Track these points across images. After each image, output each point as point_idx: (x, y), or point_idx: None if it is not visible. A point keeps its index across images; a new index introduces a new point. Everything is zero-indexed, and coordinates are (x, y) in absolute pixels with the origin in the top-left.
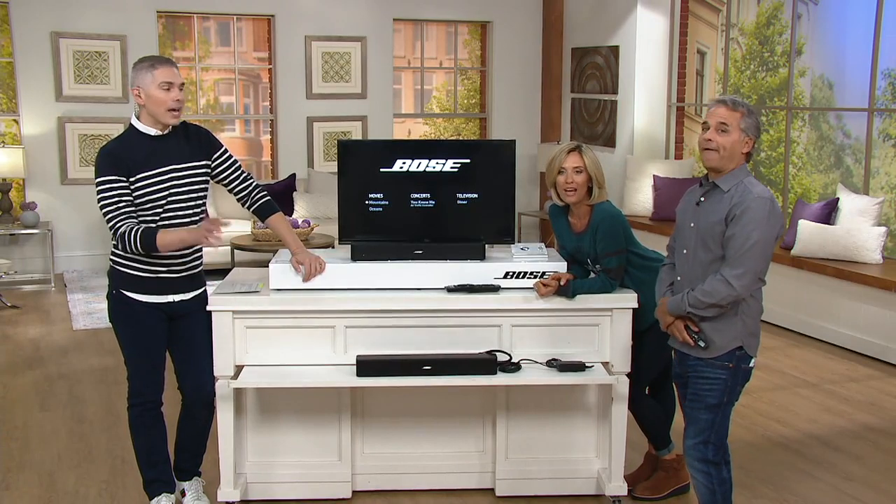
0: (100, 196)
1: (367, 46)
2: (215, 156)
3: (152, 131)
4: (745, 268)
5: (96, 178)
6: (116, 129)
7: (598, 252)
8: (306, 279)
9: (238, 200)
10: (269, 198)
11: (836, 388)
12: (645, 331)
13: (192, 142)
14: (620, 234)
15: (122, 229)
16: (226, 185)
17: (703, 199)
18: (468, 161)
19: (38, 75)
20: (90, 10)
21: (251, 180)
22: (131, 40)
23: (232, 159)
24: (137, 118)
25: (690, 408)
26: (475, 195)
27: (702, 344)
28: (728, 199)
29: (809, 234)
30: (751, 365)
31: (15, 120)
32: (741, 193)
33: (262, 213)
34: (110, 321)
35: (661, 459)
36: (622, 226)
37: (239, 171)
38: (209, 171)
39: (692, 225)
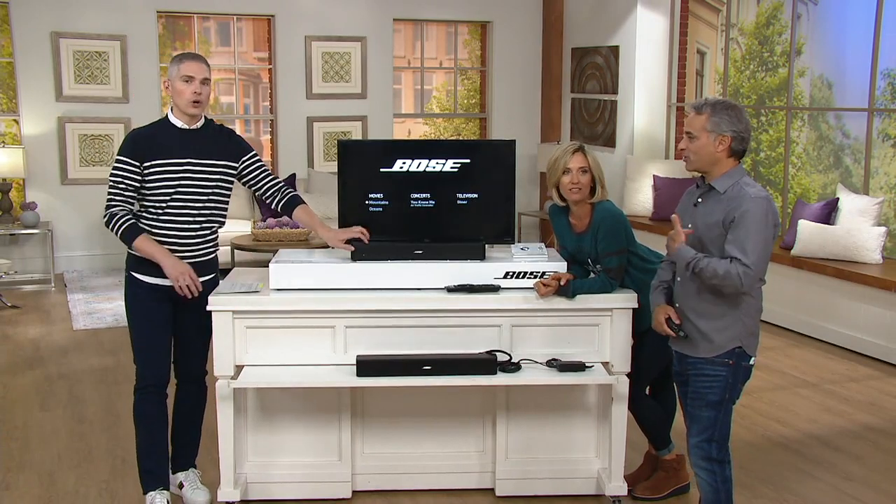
0: (110, 173)
1: (367, 46)
2: (243, 159)
3: (179, 123)
4: (753, 250)
5: (116, 155)
6: (117, 129)
7: (598, 252)
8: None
9: (266, 200)
10: (295, 192)
11: (836, 388)
12: (645, 331)
13: (219, 142)
14: (622, 233)
15: (114, 209)
16: (254, 187)
17: (700, 200)
18: (468, 161)
19: (38, 75)
20: (90, 10)
21: (278, 180)
22: (131, 40)
23: (260, 163)
24: (171, 110)
25: (692, 406)
26: (475, 195)
27: (682, 334)
28: (725, 201)
29: (809, 234)
30: (751, 363)
31: (15, 120)
32: (738, 195)
33: (289, 207)
34: (125, 305)
35: (662, 459)
36: (623, 225)
37: (266, 174)
38: (232, 172)
39: (689, 226)
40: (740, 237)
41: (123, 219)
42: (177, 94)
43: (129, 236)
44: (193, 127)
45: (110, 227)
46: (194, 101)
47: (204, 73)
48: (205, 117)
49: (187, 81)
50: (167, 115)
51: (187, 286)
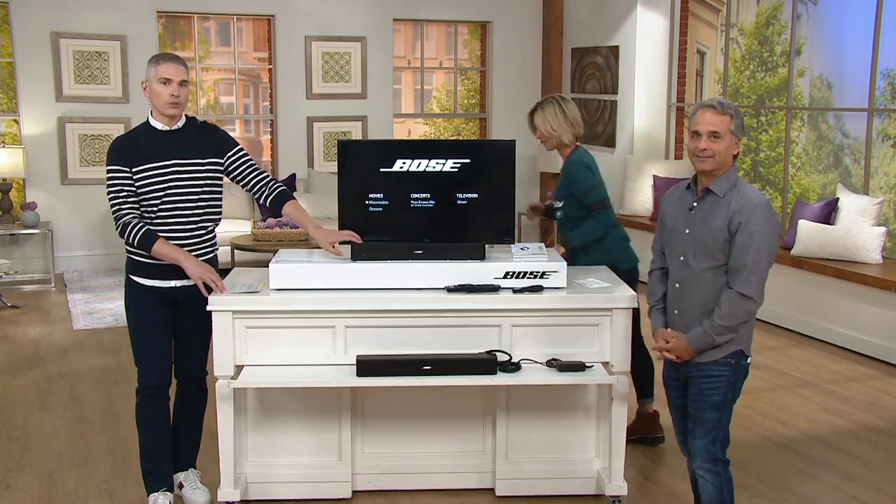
0: (106, 185)
1: (367, 46)
2: (228, 154)
3: (160, 125)
4: (757, 276)
5: (105, 167)
6: (117, 129)
7: (576, 196)
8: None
9: (255, 195)
10: (284, 187)
11: (836, 388)
12: (627, 270)
13: (201, 139)
14: (585, 174)
15: (125, 219)
16: (241, 183)
17: (695, 204)
18: (468, 161)
19: (38, 75)
20: (90, 10)
21: (266, 174)
22: (131, 40)
23: (246, 157)
24: (151, 113)
25: (695, 409)
26: (475, 195)
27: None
28: (726, 206)
29: (809, 234)
30: (748, 361)
31: (15, 120)
32: (739, 200)
33: (278, 203)
34: (125, 307)
35: (639, 410)
36: (586, 167)
37: (252, 168)
38: (219, 168)
39: (687, 231)
40: (746, 262)
41: (137, 227)
42: (155, 95)
43: (145, 243)
44: (175, 128)
45: (125, 236)
46: (172, 104)
47: (182, 74)
48: (186, 116)
49: (165, 83)
50: (147, 119)
51: (213, 282)
